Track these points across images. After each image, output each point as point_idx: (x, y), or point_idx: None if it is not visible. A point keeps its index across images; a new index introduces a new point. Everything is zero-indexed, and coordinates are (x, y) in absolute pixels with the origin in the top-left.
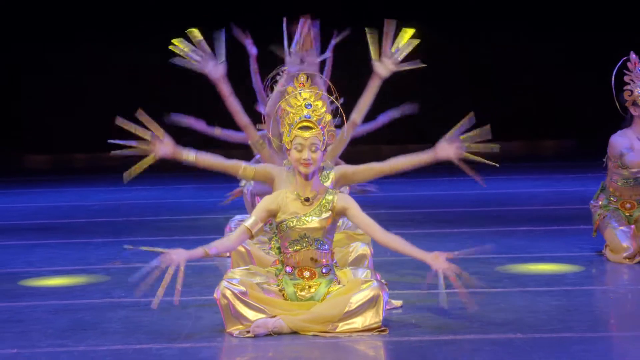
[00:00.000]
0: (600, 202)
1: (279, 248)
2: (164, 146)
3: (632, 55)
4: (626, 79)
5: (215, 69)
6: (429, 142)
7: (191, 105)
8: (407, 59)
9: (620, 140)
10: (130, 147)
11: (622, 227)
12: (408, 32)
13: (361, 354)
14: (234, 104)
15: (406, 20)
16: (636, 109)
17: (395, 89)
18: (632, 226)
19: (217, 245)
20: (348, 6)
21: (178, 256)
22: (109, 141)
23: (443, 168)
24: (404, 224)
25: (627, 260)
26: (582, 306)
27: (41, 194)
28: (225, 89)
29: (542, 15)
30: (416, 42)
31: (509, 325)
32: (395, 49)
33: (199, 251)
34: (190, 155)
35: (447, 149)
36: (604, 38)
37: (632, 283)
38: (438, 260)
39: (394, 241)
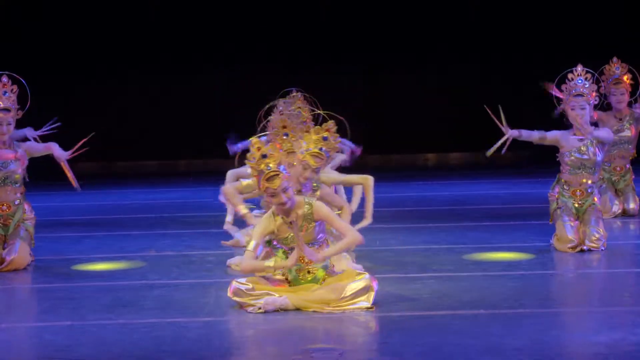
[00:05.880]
0: (557, 190)
1: (284, 252)
2: None
3: (579, 67)
4: (563, 87)
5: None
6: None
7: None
8: None
9: (561, 132)
10: None
11: (570, 222)
12: None
13: (352, 324)
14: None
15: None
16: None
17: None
18: (578, 222)
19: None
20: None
21: None
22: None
23: (420, 175)
24: (393, 219)
25: (570, 249)
26: (534, 287)
27: (89, 195)
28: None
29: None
30: None
31: (474, 303)
32: None
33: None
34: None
35: None
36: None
37: (575, 268)
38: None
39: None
